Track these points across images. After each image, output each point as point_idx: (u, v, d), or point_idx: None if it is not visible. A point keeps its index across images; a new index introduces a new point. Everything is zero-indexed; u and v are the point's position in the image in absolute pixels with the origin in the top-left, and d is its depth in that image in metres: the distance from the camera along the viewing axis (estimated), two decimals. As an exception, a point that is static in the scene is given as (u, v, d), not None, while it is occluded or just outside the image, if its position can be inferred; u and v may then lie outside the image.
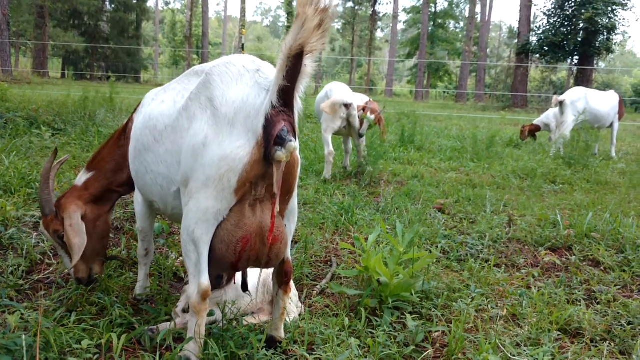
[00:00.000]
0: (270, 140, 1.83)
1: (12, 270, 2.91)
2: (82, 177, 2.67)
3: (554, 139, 9.23)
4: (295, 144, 1.84)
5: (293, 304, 2.65)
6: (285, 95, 1.84)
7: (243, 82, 1.95)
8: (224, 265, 2.02)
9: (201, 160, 1.88)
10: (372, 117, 6.67)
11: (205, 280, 1.96)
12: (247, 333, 2.26)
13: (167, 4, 62.29)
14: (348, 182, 6.10)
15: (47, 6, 30.35)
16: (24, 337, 1.93)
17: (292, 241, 3.80)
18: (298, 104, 1.92)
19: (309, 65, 1.83)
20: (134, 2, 42.79)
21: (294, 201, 2.14)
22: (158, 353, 2.08)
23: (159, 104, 2.26)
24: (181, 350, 2.05)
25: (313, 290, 3.01)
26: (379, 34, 61.04)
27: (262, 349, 2.16)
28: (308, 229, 4.05)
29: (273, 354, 2.19)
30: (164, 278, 3.02)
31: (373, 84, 52.54)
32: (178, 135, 2.03)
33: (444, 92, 47.84)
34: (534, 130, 10.45)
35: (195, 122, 1.95)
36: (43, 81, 25.11)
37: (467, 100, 37.34)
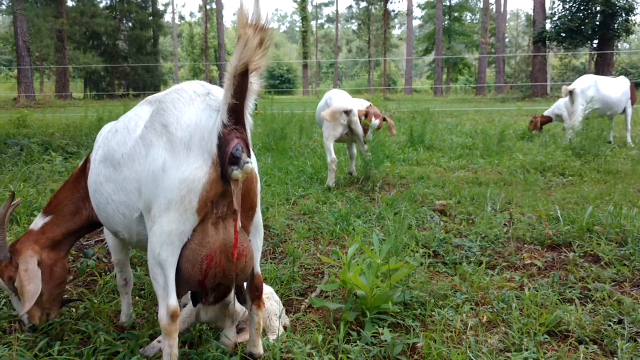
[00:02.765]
0: (225, 158, 1.89)
1: (5, 301, 2.99)
2: (38, 222, 2.60)
3: (567, 128, 9.06)
4: (251, 165, 1.89)
5: (278, 322, 2.66)
6: (235, 113, 1.91)
7: (195, 106, 2.02)
8: (192, 284, 2.08)
9: (162, 184, 1.94)
10: (376, 122, 6.66)
11: (173, 302, 2.00)
12: (221, 355, 2.28)
13: (182, 18, 63.10)
14: (352, 188, 6.08)
15: (65, 29, 31.05)
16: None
17: (278, 254, 3.84)
18: (249, 121, 1.99)
19: (254, 82, 1.92)
20: (150, 19, 43.52)
21: (258, 216, 2.20)
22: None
23: (114, 135, 2.31)
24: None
25: (301, 305, 3.02)
26: (395, 31, 60.86)
27: (236, 370, 2.19)
28: (298, 242, 4.05)
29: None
30: (150, 302, 3.07)
31: (393, 82, 52.34)
32: (136, 163, 2.08)
33: (464, 85, 47.38)
34: (544, 122, 10.24)
35: (152, 149, 2.01)
36: (65, 103, 25.76)
37: (488, 91, 36.92)
